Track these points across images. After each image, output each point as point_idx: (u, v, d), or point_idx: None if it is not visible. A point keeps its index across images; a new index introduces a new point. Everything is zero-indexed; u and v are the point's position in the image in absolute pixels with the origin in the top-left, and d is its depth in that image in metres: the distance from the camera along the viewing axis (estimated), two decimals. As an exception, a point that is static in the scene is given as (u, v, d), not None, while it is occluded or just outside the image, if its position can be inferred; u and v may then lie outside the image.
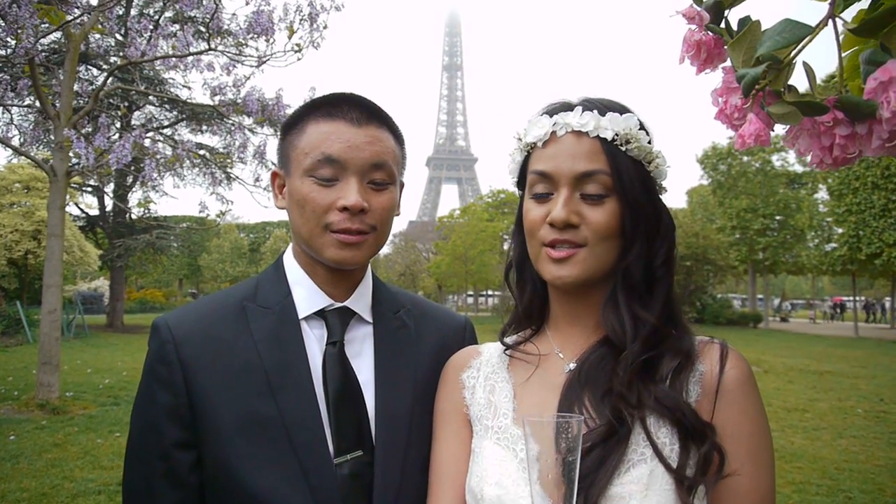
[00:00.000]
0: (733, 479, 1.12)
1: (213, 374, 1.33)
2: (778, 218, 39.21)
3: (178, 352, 1.33)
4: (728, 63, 0.93)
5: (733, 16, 0.94)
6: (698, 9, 0.94)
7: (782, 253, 39.59)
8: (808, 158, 0.91)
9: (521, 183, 1.38)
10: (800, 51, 0.84)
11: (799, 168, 38.95)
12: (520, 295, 1.43)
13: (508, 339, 1.43)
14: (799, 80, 0.90)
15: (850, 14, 1.19)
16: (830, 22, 0.84)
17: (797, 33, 0.81)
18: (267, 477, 1.28)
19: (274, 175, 1.48)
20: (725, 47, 0.93)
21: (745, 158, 39.44)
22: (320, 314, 1.43)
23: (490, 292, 58.25)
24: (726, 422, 1.16)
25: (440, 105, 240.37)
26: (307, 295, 1.43)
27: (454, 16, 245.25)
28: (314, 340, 1.41)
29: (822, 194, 37.45)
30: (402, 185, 1.52)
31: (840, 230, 32.32)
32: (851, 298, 45.04)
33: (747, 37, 0.86)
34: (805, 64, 0.87)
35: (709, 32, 0.94)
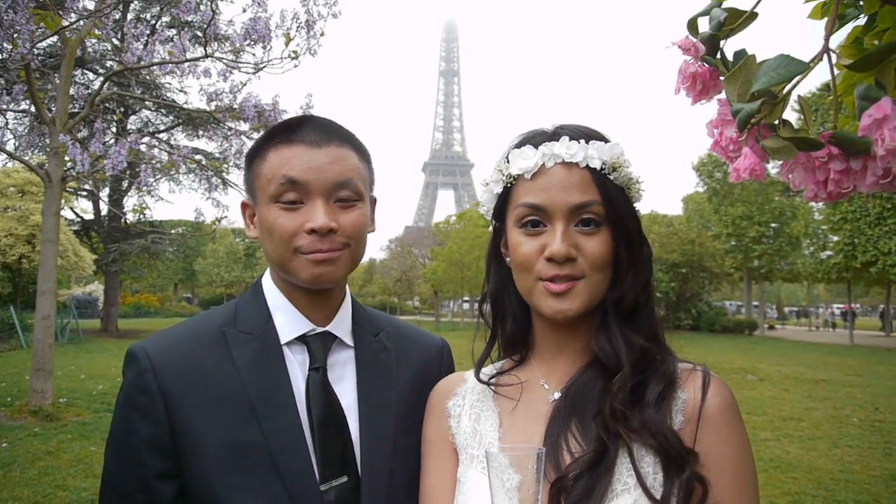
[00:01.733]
0: None
1: (195, 402, 1.30)
2: (773, 225, 39.35)
3: (157, 380, 1.30)
4: (723, 95, 0.93)
5: (728, 47, 0.95)
6: (694, 40, 0.94)
7: (778, 260, 39.72)
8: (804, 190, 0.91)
9: (499, 214, 1.36)
10: (794, 86, 0.84)
11: (794, 176, 39.03)
12: (499, 327, 1.43)
13: (485, 373, 1.42)
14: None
15: (844, 32, 1.20)
16: (825, 56, 0.84)
17: (793, 69, 0.81)
18: None
19: (244, 206, 1.47)
20: (721, 79, 0.93)
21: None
22: (302, 339, 1.42)
23: (486, 298, 57.99)
24: (709, 450, 1.16)
25: (437, 111, 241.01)
26: (288, 320, 1.42)
27: (451, 22, 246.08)
28: (296, 366, 1.40)
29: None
30: (373, 201, 1.51)
31: (835, 238, 32.40)
32: (842, 306, 45.14)
33: (743, 71, 0.86)
34: (800, 98, 0.87)
35: (704, 64, 0.94)
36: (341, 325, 1.48)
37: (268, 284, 1.48)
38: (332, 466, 1.33)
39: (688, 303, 39.36)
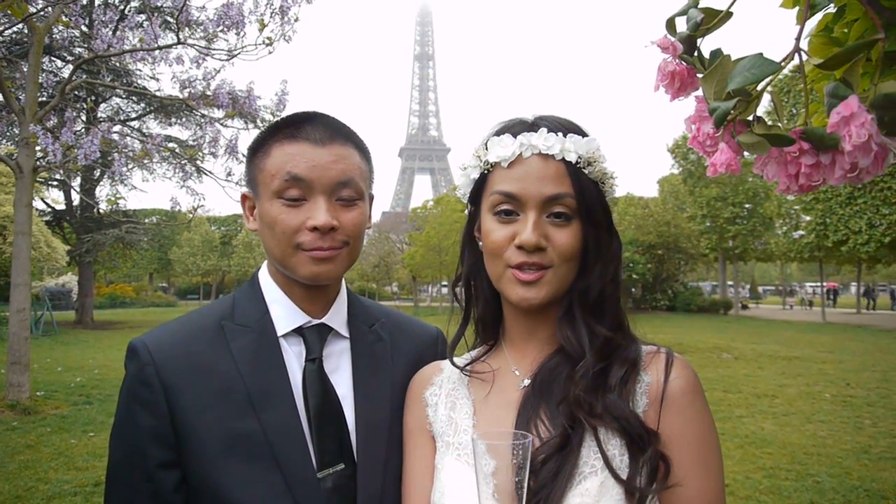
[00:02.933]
0: (681, 488, 1.16)
1: (194, 394, 1.34)
2: (747, 206, 39.84)
3: (158, 374, 1.34)
4: (701, 91, 0.97)
5: (705, 45, 0.98)
6: (672, 39, 0.97)
7: (752, 241, 40.25)
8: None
9: (474, 199, 1.39)
10: (767, 84, 0.88)
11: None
12: (472, 310, 1.47)
13: (460, 360, 1.46)
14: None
15: (816, 20, 1.25)
16: (797, 55, 0.88)
17: (766, 69, 0.85)
18: (253, 494, 1.30)
19: (244, 198, 1.50)
20: (698, 76, 0.97)
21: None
22: (298, 331, 1.46)
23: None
24: (672, 430, 1.19)
25: (412, 95, 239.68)
26: (285, 313, 1.46)
27: (425, 6, 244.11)
28: (293, 357, 1.44)
29: (790, 182, 37.99)
30: (371, 198, 1.54)
31: (807, 218, 32.95)
32: (819, 284, 45.95)
33: (718, 70, 0.89)
34: (772, 95, 0.91)
35: (682, 62, 0.98)
36: (337, 316, 1.51)
37: (264, 278, 1.51)
38: (329, 454, 1.37)
39: (664, 284, 39.82)
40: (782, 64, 0.86)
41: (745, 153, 0.93)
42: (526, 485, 1.08)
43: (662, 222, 38.57)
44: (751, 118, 0.92)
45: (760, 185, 38.72)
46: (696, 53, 0.98)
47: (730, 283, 46.28)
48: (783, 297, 60.12)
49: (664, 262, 38.94)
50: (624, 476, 1.14)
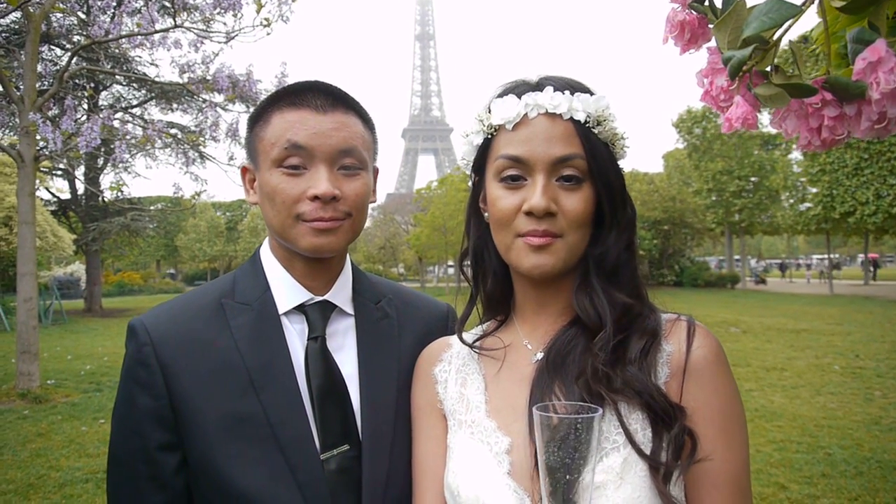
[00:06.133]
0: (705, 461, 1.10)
1: (193, 375, 1.30)
2: (753, 179, 39.64)
3: (156, 353, 1.30)
4: (713, 43, 0.90)
5: (717, -7, 0.92)
6: (681, -13, 0.91)
7: (758, 214, 40.11)
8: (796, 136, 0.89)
9: (478, 167, 1.32)
10: (786, 30, 0.82)
11: (773, 129, 39.27)
12: (480, 285, 1.40)
13: (468, 336, 1.39)
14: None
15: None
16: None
17: (784, 13, 0.79)
18: (254, 476, 1.26)
19: (244, 170, 1.44)
20: (710, 27, 0.91)
21: (720, 121, 39.68)
22: (300, 309, 1.41)
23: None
24: (696, 402, 1.13)
25: (414, 75, 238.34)
26: (286, 290, 1.41)
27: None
28: (295, 336, 1.39)
29: (796, 154, 37.84)
30: (376, 171, 1.48)
31: (814, 190, 32.72)
32: (826, 256, 45.81)
33: (733, 17, 0.83)
34: (792, 43, 0.85)
35: (692, 12, 0.91)
36: (341, 293, 1.46)
37: (265, 254, 1.46)
38: (333, 435, 1.33)
39: (670, 259, 39.74)
40: (803, 7, 0.80)
41: (763, 109, 0.87)
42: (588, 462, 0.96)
43: (668, 197, 38.40)
44: (768, 69, 0.85)
45: (766, 157, 38.46)
46: (707, 2, 0.91)
47: (736, 257, 46.12)
48: (783, 270, 59.23)
49: (670, 238, 38.84)
50: (647, 451, 1.08)
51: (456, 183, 43.64)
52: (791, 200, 36.92)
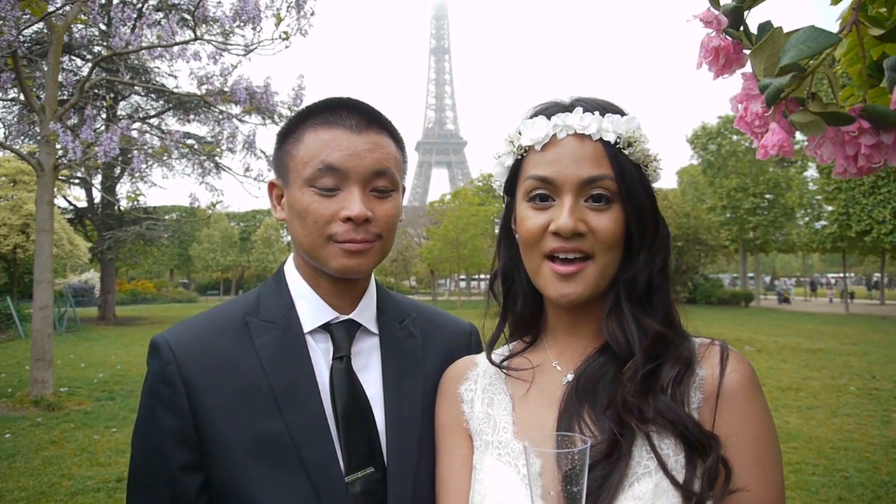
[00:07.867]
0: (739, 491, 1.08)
1: (217, 394, 1.28)
2: (768, 196, 39.42)
3: (180, 372, 1.28)
4: (747, 68, 0.90)
5: (751, 19, 0.92)
6: (716, 13, 0.91)
7: (773, 231, 39.83)
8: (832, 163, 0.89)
9: (509, 188, 1.31)
10: (824, 59, 0.81)
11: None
12: (510, 306, 1.38)
13: (497, 355, 1.38)
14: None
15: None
16: (854, 28, 0.82)
17: (823, 42, 0.78)
18: (278, 498, 1.24)
19: (271, 186, 1.43)
20: (745, 52, 0.90)
21: (735, 138, 39.54)
22: (325, 327, 1.39)
23: (482, 276, 58.27)
24: (729, 427, 1.12)
25: (428, 89, 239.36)
26: (311, 308, 1.39)
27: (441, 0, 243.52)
28: (320, 355, 1.37)
29: (812, 172, 37.61)
30: (403, 190, 1.47)
31: (830, 208, 32.50)
32: (842, 275, 45.38)
33: (769, 44, 0.83)
34: (828, 71, 0.85)
35: (727, 37, 0.91)
36: (366, 312, 1.44)
37: (290, 271, 1.45)
38: (358, 457, 1.31)
39: (684, 276, 39.48)
40: (841, 36, 0.79)
41: (798, 133, 0.87)
42: (585, 487, 0.99)
43: (682, 214, 38.19)
44: (804, 95, 0.85)
45: (781, 175, 38.23)
46: (742, 28, 0.91)
47: (750, 274, 45.78)
48: (814, 289, 58.25)
49: (684, 254, 38.58)
50: (680, 479, 1.07)
51: (469, 197, 43.71)
52: (806, 218, 36.66)
